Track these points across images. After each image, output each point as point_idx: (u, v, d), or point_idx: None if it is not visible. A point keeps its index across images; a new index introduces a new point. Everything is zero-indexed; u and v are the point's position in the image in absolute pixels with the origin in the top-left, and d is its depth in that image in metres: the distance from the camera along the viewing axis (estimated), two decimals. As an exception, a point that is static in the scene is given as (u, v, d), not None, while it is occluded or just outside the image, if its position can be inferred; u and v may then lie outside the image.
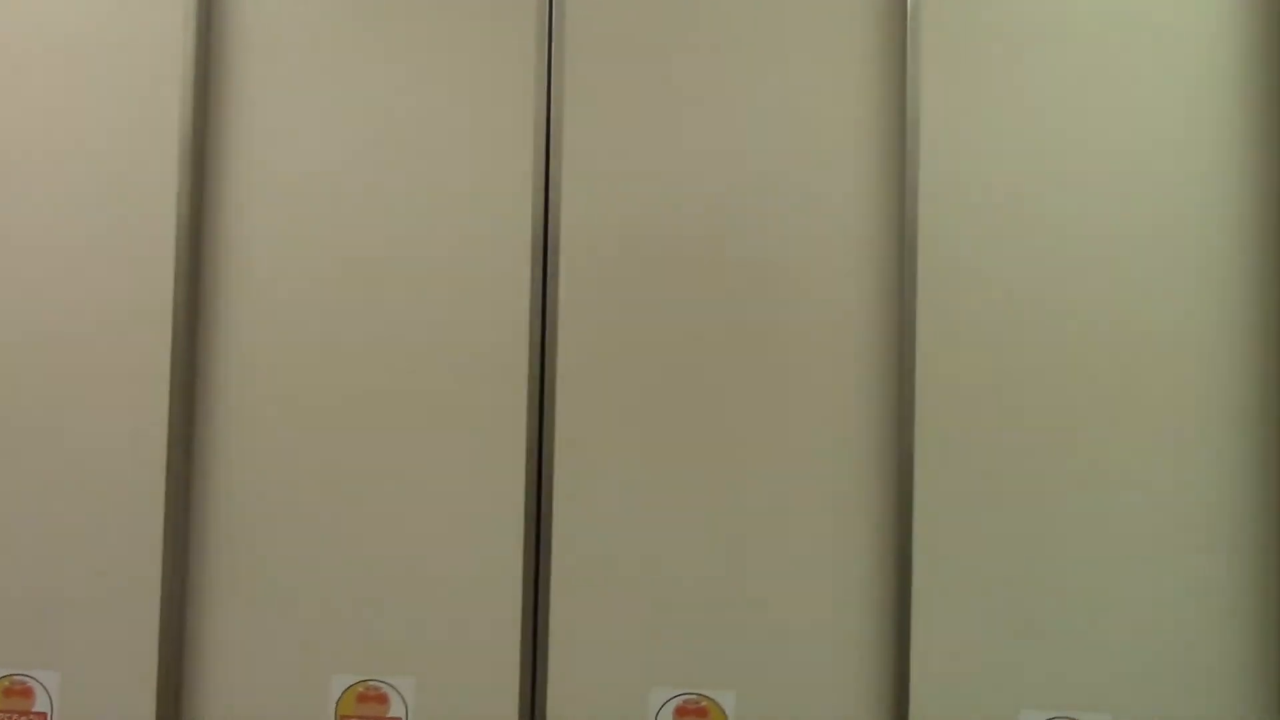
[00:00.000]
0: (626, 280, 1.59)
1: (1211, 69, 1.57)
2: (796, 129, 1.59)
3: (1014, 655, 1.53)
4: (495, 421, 1.58)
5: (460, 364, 1.59)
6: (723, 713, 1.54)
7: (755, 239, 1.59)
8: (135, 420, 1.59)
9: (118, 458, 1.59)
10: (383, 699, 1.56)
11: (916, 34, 1.57)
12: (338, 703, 1.57)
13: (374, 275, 1.61)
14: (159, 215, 1.60)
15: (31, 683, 1.57)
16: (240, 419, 1.60)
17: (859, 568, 1.55)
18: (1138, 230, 1.56)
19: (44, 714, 1.57)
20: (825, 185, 1.59)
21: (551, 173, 1.60)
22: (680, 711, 1.55)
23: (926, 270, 1.56)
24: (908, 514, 1.53)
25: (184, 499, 1.58)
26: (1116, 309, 1.56)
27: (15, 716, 1.57)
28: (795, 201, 1.59)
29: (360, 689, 1.57)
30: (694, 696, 1.55)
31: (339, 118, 1.62)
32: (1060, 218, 1.56)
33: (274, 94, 1.63)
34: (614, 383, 1.58)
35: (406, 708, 1.56)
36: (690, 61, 1.61)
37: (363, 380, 1.60)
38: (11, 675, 1.58)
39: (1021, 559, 1.54)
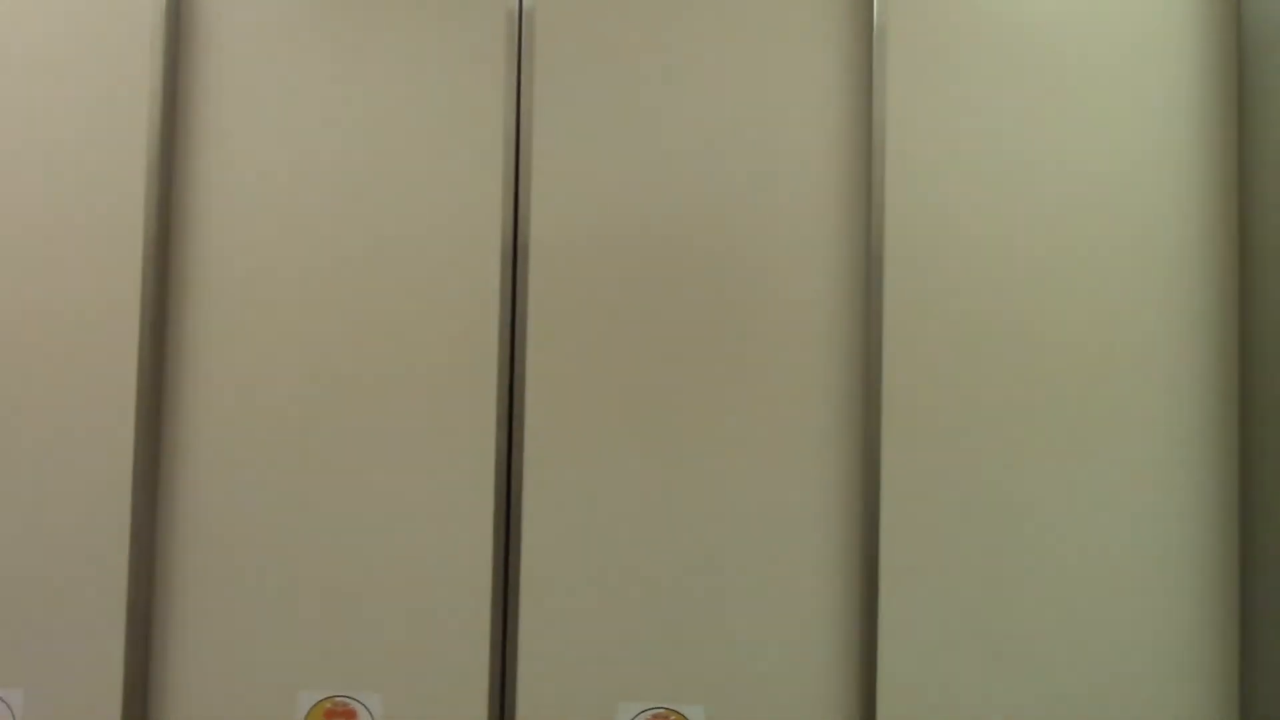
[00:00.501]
0: (596, 283, 1.58)
1: (1175, 82, 1.58)
2: (763, 131, 1.59)
3: (982, 670, 1.53)
4: (463, 433, 1.57)
5: (428, 372, 1.58)
6: (692, 727, 1.55)
7: (723, 242, 1.58)
8: (100, 434, 1.57)
9: (82, 472, 1.57)
10: (350, 714, 1.56)
11: (884, 40, 1.57)
12: (305, 718, 1.56)
13: (341, 278, 1.59)
14: (125, 215, 1.58)
15: (-5, 701, 1.56)
16: (206, 432, 1.59)
17: (827, 581, 1.55)
18: (1103, 239, 1.57)
19: (8, 732, 1.56)
20: (792, 187, 1.58)
21: (521, 172, 1.59)
22: (649, 726, 1.55)
23: (892, 276, 1.56)
24: (874, 527, 1.53)
25: (150, 514, 1.57)
26: (1083, 319, 1.56)
27: (-22, 735, 1.56)
28: (762, 202, 1.58)
29: (328, 705, 1.56)
30: (663, 711, 1.55)
31: (306, 118, 1.61)
32: (1025, 222, 1.57)
33: (241, 95, 1.61)
34: (584, 395, 1.57)
35: (374, 723, 1.56)
36: (659, 63, 1.60)
37: (328, 391, 1.58)
38: (-26, 693, 1.57)
39: (989, 574, 1.54)
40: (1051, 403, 1.55)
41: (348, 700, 1.56)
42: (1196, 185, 1.57)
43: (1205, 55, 1.58)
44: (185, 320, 1.60)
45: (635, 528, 1.56)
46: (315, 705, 1.56)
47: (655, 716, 1.55)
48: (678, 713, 1.55)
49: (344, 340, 1.59)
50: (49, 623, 1.57)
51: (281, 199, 1.60)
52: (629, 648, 1.56)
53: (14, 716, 1.56)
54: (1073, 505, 1.54)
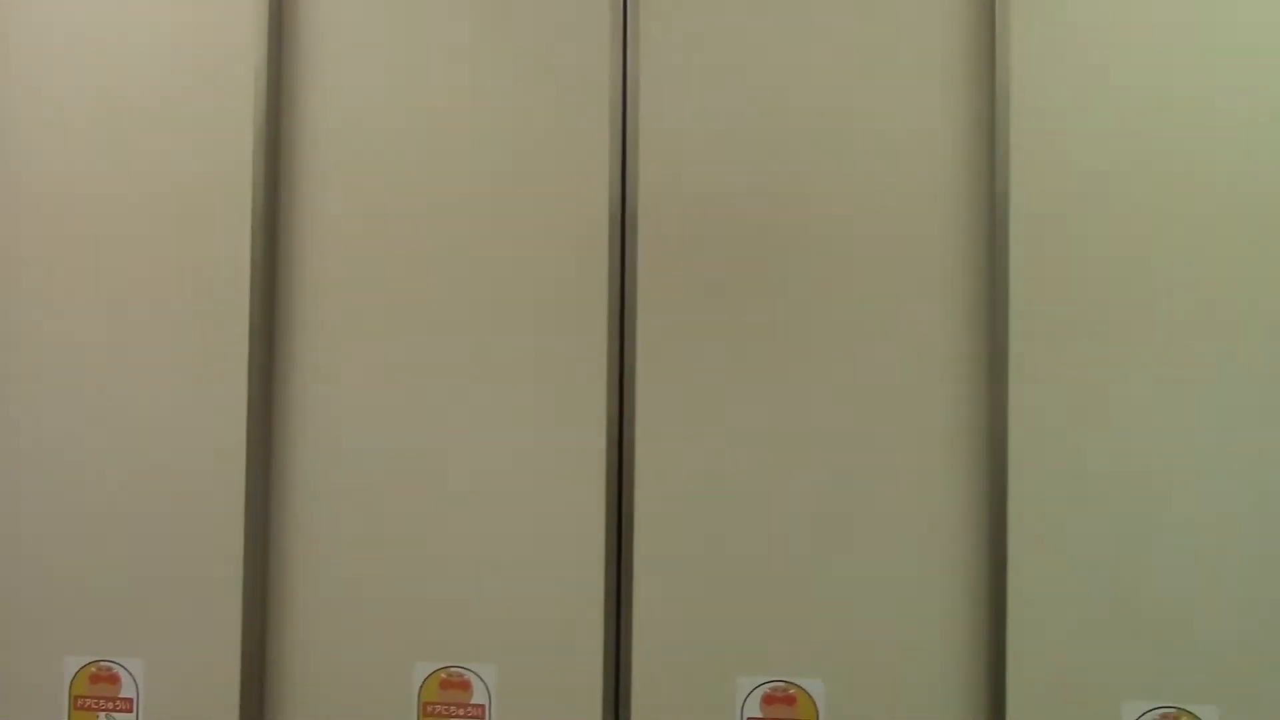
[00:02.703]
0: (703, 243, 1.55)
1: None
2: (883, 77, 1.54)
3: (1115, 645, 1.47)
4: (575, 404, 1.56)
5: (538, 340, 1.57)
6: (811, 701, 1.51)
7: (837, 200, 1.54)
8: (217, 413, 1.58)
9: (200, 448, 1.59)
10: (465, 685, 1.55)
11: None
12: (420, 689, 1.55)
13: (448, 247, 1.59)
14: (235, 173, 1.60)
15: (118, 669, 1.58)
16: (320, 403, 1.59)
17: (952, 554, 1.51)
18: (1240, 183, 1.48)
19: (130, 699, 1.58)
20: (912, 131, 1.54)
21: (629, 134, 1.57)
22: (768, 699, 1.51)
23: (1017, 233, 1.50)
24: (1002, 498, 1.48)
25: (264, 486, 1.58)
26: (1218, 269, 1.48)
27: (103, 701, 1.58)
28: (880, 148, 1.54)
29: (443, 675, 1.55)
30: (782, 684, 1.52)
31: (411, 82, 1.60)
32: (1155, 166, 1.49)
33: (349, 56, 1.61)
34: (695, 361, 1.55)
35: (489, 694, 1.55)
36: (766, 21, 1.56)
37: (438, 364, 1.58)
38: (98, 661, 1.59)
39: (1121, 547, 1.48)
40: (1188, 359, 1.49)
41: (463, 670, 1.55)
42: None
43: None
44: (295, 304, 1.60)
45: (750, 497, 1.53)
46: (430, 675, 1.55)
47: (774, 690, 1.52)
48: (797, 685, 1.51)
49: (453, 311, 1.58)
50: (168, 594, 1.58)
51: (389, 164, 1.60)
52: (746, 620, 1.53)
53: (136, 685, 1.58)
54: (1211, 476, 1.48)
